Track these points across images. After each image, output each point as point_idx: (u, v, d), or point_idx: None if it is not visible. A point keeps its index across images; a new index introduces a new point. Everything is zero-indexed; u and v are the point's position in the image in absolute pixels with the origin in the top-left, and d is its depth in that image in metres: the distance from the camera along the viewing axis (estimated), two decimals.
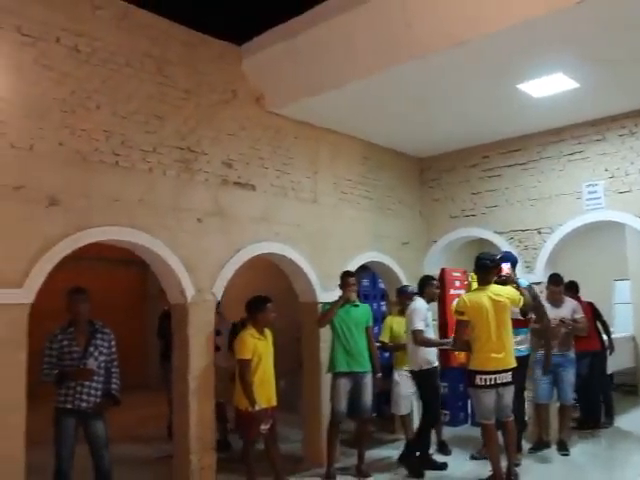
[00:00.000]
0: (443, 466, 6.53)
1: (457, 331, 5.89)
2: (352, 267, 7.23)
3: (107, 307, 5.90)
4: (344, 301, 6.37)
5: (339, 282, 6.56)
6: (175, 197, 5.68)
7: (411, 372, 6.64)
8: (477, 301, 5.75)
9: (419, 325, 6.33)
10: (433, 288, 6.76)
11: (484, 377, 5.66)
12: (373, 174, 7.97)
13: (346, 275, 6.57)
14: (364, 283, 8.92)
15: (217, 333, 7.48)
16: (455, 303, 6.03)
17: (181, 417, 5.78)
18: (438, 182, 8.65)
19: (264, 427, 5.61)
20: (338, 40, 5.76)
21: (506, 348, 5.75)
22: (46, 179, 4.84)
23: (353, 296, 6.45)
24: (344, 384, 6.29)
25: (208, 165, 5.97)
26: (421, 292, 6.72)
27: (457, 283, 8.88)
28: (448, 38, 5.17)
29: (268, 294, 6.29)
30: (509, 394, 5.85)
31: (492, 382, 5.67)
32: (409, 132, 7.67)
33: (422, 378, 6.49)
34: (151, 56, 5.60)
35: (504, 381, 5.72)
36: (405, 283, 7.87)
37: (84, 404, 5.03)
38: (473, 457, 6.91)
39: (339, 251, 7.28)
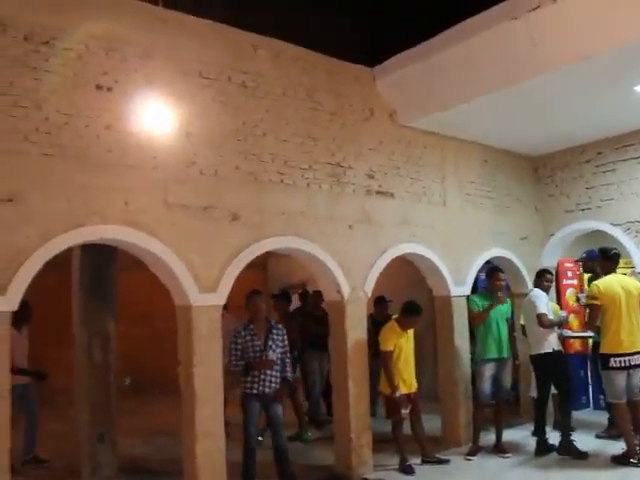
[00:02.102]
0: (583, 455, 6.53)
1: (591, 316, 6.36)
2: (478, 263, 7.87)
3: (231, 308, 6.70)
4: (498, 303, 6.85)
5: (484, 277, 7.29)
6: (329, 207, 6.41)
7: (536, 356, 6.80)
8: (610, 287, 6.20)
9: (543, 309, 6.68)
10: (544, 281, 7.07)
11: (618, 359, 6.10)
12: (492, 175, 8.41)
13: (496, 277, 7.05)
14: (481, 277, 9.41)
15: None
16: (589, 289, 6.52)
17: (341, 400, 6.45)
18: (552, 179, 8.96)
19: (404, 411, 6.35)
20: (465, 60, 6.27)
21: (635, 332, 6.18)
22: (228, 198, 5.66)
23: (503, 298, 6.96)
24: (490, 369, 6.85)
25: (354, 178, 6.68)
26: (537, 284, 7.13)
27: (569, 274, 9.31)
28: (572, 55, 5.59)
29: (397, 286, 6.96)
30: (637, 375, 6.26)
31: (625, 364, 6.10)
32: (523, 134, 8.00)
33: (548, 361, 6.72)
34: (302, 85, 6.35)
35: (636, 363, 6.15)
36: (525, 275, 8.41)
37: (267, 389, 5.85)
38: (598, 436, 7.25)
39: (466, 248, 7.80)
